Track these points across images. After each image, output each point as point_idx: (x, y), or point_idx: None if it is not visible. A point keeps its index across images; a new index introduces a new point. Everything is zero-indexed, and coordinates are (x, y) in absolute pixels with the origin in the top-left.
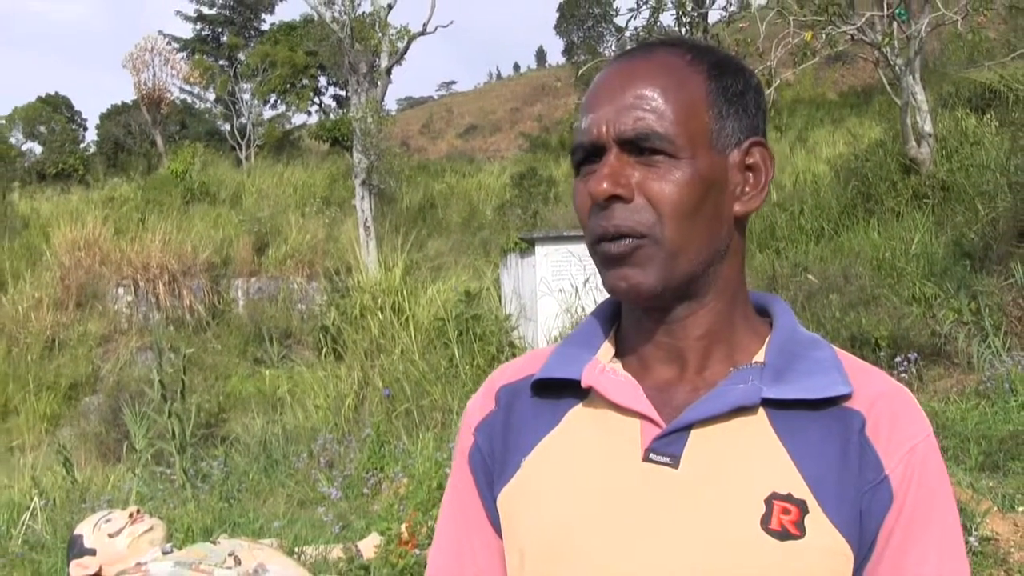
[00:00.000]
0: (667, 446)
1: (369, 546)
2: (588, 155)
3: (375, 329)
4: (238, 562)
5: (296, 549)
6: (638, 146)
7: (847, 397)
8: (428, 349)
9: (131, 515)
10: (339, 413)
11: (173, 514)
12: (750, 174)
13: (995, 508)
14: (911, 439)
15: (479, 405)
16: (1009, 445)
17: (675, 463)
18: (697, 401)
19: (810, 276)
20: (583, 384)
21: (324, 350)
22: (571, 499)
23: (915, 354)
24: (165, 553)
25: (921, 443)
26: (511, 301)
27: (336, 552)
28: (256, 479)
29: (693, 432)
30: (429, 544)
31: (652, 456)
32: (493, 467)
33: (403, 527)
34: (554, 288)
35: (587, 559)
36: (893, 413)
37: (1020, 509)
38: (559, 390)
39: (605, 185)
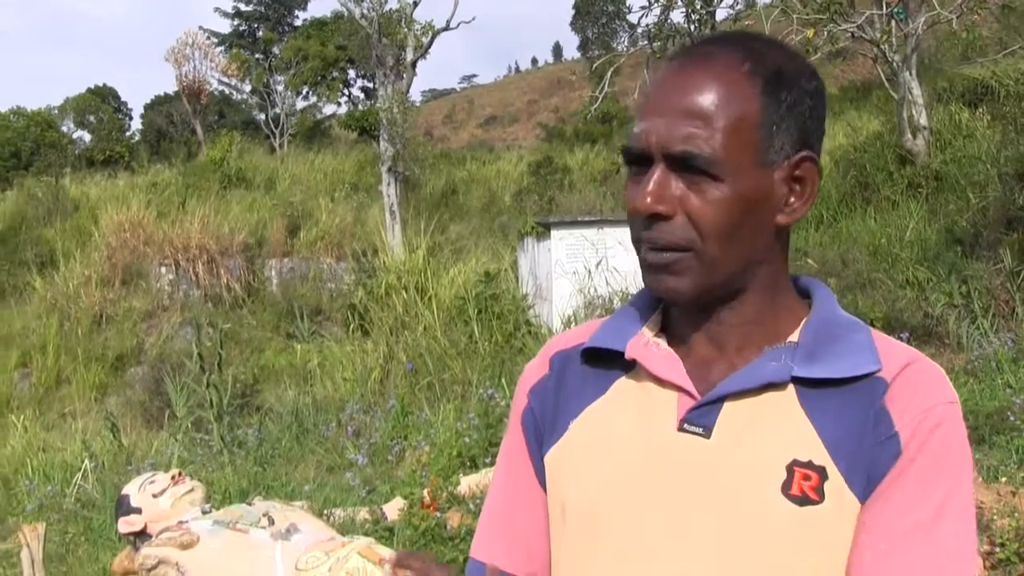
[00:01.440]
0: (700, 417)
1: (393, 509)
2: (636, 159)
3: (400, 307)
4: (272, 522)
5: (325, 511)
6: (683, 163)
7: (875, 372)
8: (449, 326)
9: (173, 477)
10: (366, 385)
11: (212, 477)
12: (797, 186)
13: (980, 479)
14: (928, 403)
15: (535, 369)
16: (994, 420)
17: (707, 433)
18: (731, 376)
19: (810, 260)
20: (627, 356)
21: (352, 326)
22: (611, 462)
23: (907, 334)
24: (204, 513)
25: (939, 407)
26: (527, 282)
27: (363, 514)
28: (288, 446)
29: (726, 405)
30: (449, 508)
31: (686, 426)
32: (543, 428)
33: (425, 492)
34: (568, 270)
35: (622, 516)
36: (916, 382)
37: (1003, 479)
38: (608, 360)
39: (649, 201)
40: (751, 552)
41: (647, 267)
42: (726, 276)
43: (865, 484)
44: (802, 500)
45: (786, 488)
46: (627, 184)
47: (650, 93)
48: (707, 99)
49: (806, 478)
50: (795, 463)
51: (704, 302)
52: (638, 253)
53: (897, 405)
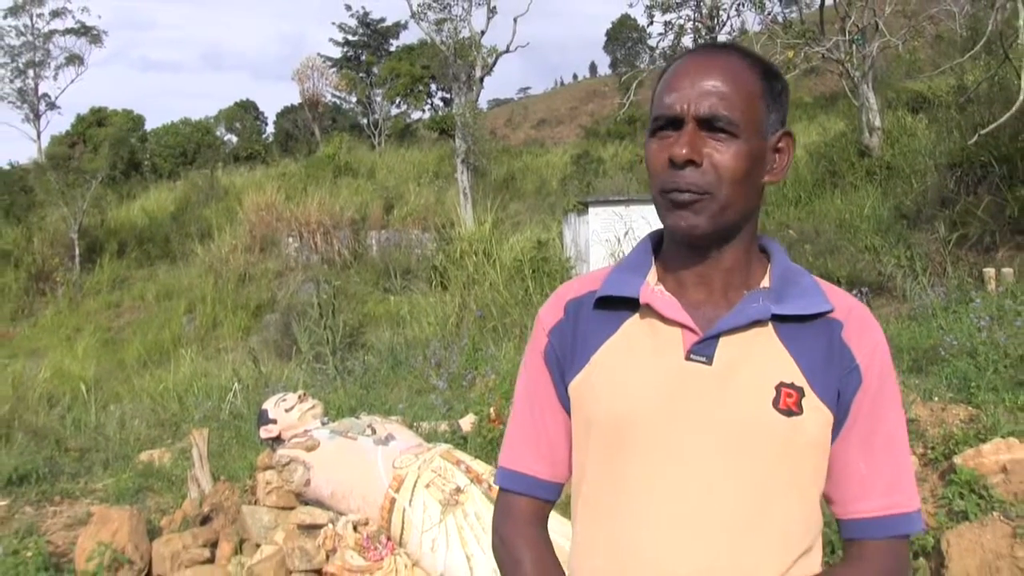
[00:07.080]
0: (703, 349)
1: (467, 423)
2: (667, 123)
3: (471, 267)
4: (374, 432)
5: (414, 424)
6: (710, 124)
7: (830, 311)
8: (509, 282)
9: (300, 396)
10: (445, 328)
11: (328, 397)
12: (777, 155)
13: (918, 399)
14: (873, 340)
15: (551, 313)
16: (931, 354)
17: (709, 361)
18: (726, 315)
19: (791, 231)
20: (641, 301)
21: (434, 282)
22: (630, 386)
23: (866, 288)
24: (323, 424)
25: (881, 343)
26: (570, 248)
27: (443, 426)
28: (385, 374)
29: (721, 339)
30: None
31: (692, 356)
32: (564, 361)
33: (491, 410)
34: (602, 239)
35: (646, 426)
36: (862, 322)
37: (936, 399)
38: (616, 304)
39: (685, 151)
40: (753, 452)
41: (673, 206)
42: (733, 220)
43: (833, 400)
44: (788, 412)
45: (776, 403)
46: (650, 147)
47: (674, 76)
48: (727, 77)
49: (789, 396)
50: (781, 384)
51: (708, 242)
52: (663, 202)
53: (854, 342)
